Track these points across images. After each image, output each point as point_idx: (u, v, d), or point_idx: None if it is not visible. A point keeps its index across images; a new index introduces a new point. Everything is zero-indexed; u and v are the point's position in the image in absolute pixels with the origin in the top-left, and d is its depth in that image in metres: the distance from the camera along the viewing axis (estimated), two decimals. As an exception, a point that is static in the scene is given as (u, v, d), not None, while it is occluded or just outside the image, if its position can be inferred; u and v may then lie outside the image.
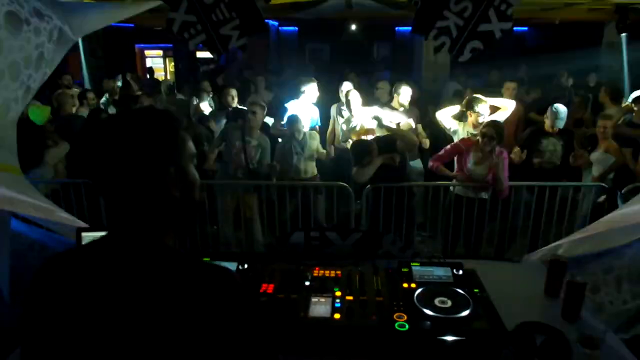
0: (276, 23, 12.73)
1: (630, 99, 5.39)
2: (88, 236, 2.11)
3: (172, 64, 15.28)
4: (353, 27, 11.16)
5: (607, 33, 9.48)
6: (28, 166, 3.74)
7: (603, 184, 4.29)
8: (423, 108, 6.19)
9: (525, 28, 12.87)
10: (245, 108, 5.24)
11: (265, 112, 4.82)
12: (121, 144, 0.90)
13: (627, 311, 2.40)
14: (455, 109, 4.69)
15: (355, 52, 12.96)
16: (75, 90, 7.06)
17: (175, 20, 3.85)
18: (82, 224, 2.65)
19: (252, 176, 4.59)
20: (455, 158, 4.24)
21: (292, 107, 5.23)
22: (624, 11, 6.05)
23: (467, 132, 4.54)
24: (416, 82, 8.45)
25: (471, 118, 4.48)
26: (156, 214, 0.94)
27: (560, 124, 4.57)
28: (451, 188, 4.33)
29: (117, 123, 0.96)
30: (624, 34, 6.36)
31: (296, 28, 13.88)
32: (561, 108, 4.55)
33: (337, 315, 1.84)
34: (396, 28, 13.29)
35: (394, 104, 5.34)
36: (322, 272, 2.15)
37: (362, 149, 4.10)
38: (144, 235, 0.93)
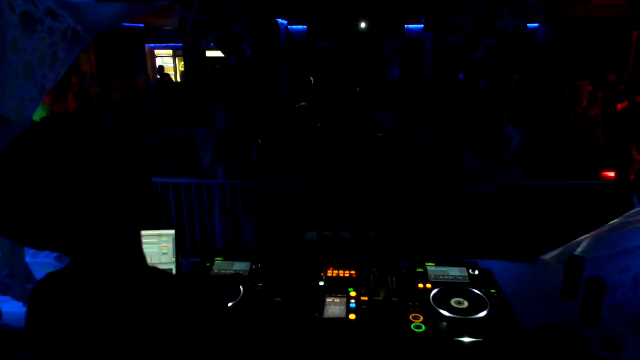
0: (285, 22, 12.71)
1: None
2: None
3: (182, 63, 15.33)
4: (363, 25, 11.15)
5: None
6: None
7: (618, 183, 4.23)
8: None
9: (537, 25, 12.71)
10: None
11: None
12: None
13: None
14: None
15: (364, 50, 12.91)
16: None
17: (187, 20, 3.87)
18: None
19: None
20: None
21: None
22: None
23: None
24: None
25: None
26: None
27: None
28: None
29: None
30: None
31: (305, 27, 13.84)
32: None
33: (352, 316, 1.83)
34: (405, 26, 13.21)
35: None
36: (336, 272, 2.14)
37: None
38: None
